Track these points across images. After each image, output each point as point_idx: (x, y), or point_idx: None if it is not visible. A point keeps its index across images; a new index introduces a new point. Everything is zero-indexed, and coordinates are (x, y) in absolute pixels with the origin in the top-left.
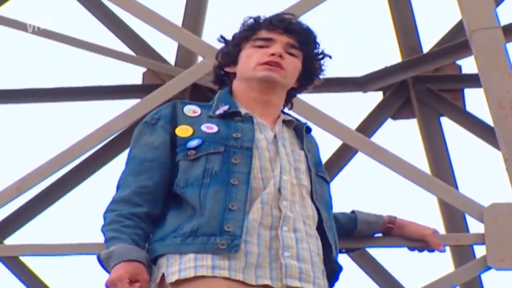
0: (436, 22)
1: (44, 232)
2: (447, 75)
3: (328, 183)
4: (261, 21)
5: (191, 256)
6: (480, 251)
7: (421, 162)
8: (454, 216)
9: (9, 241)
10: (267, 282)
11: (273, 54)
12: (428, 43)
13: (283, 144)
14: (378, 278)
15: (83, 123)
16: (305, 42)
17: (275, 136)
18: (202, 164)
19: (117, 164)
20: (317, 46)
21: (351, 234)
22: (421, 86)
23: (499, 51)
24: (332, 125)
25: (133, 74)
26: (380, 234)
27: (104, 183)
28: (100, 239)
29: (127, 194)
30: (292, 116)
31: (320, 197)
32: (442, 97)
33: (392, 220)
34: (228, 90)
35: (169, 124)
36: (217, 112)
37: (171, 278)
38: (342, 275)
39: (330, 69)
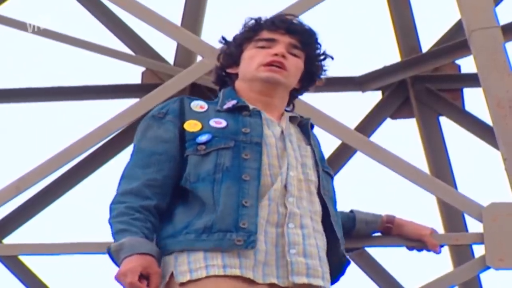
0: (435, 22)
1: (43, 231)
2: (446, 75)
3: (332, 178)
4: (263, 21)
5: (201, 255)
6: (479, 250)
7: (420, 161)
8: (453, 215)
9: (8, 240)
10: (273, 280)
11: (276, 55)
12: (427, 42)
13: (290, 140)
14: (377, 278)
15: (82, 122)
16: (307, 42)
17: (282, 132)
18: (212, 159)
19: (116, 163)
20: (319, 46)
21: (350, 234)
22: (420, 85)
23: (498, 51)
24: (331, 125)
25: (132, 74)
26: (379, 234)
27: (103, 182)
28: (99, 238)
29: (136, 186)
30: (296, 113)
31: (328, 192)
32: (441, 96)
33: (390, 219)
34: (232, 88)
35: (178, 119)
36: (225, 106)
37: (181, 278)
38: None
39: (329, 69)
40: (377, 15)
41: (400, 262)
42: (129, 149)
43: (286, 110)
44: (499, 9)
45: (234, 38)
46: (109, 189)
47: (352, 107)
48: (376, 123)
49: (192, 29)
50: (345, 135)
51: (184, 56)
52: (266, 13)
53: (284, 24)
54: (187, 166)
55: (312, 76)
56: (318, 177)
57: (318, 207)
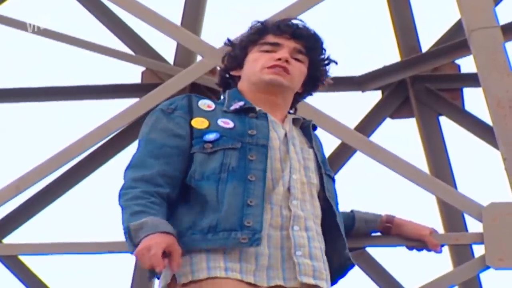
0: (435, 22)
1: (42, 231)
2: (446, 75)
3: (334, 181)
4: (268, 25)
5: (203, 256)
6: (479, 250)
7: (420, 161)
8: (453, 215)
9: (8, 240)
10: (279, 282)
11: (279, 59)
12: (427, 42)
13: (293, 143)
14: (377, 278)
15: (82, 122)
16: (311, 47)
17: (285, 135)
18: (219, 158)
19: (116, 163)
20: (324, 51)
21: (350, 233)
22: (420, 85)
23: (498, 51)
24: (330, 125)
25: (132, 73)
26: (378, 234)
27: (103, 182)
28: (99, 238)
29: (149, 174)
30: (298, 116)
31: (331, 195)
32: (441, 96)
33: (390, 219)
34: (236, 89)
35: (187, 115)
36: (232, 108)
37: (184, 279)
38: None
39: (332, 71)
40: (377, 15)
41: (400, 262)
42: (129, 149)
43: (289, 113)
44: (499, 9)
45: (239, 40)
46: (109, 189)
47: (351, 107)
48: (376, 123)
49: (192, 29)
50: (345, 135)
51: (184, 56)
52: (266, 13)
53: (290, 28)
54: (192, 164)
55: (315, 81)
56: (321, 180)
57: (319, 211)
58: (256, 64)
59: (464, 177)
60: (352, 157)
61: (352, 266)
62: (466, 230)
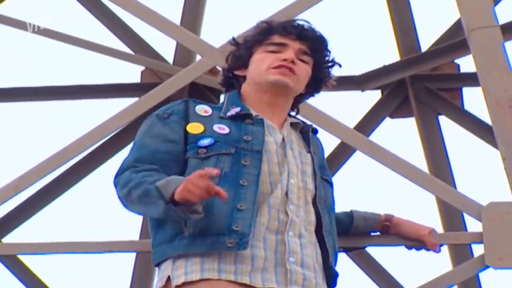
0: (435, 21)
1: (42, 230)
2: (445, 74)
3: (332, 186)
4: (274, 26)
5: (198, 259)
6: (478, 250)
7: (419, 161)
8: (452, 215)
9: (7, 239)
10: (273, 285)
11: (285, 60)
12: (426, 42)
13: (291, 147)
14: (376, 277)
15: (81, 121)
16: (317, 49)
17: (283, 139)
18: (212, 163)
19: (116, 163)
20: (328, 53)
21: (349, 231)
22: (419, 85)
23: (497, 50)
24: (330, 124)
25: (132, 73)
26: (377, 233)
27: (103, 182)
28: (99, 237)
29: (146, 168)
30: (298, 119)
31: (323, 202)
32: (440, 96)
33: (389, 218)
34: (236, 92)
35: (183, 120)
36: (229, 114)
37: (177, 281)
38: (341, 275)
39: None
40: (377, 14)
41: (399, 262)
42: (129, 149)
43: (289, 115)
44: (498, 8)
45: (244, 40)
46: (108, 188)
47: (351, 106)
48: (375, 122)
49: (191, 28)
50: (344, 134)
51: (184, 55)
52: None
53: (295, 29)
54: (186, 169)
55: (319, 82)
56: (315, 186)
57: (312, 217)
58: (262, 64)
59: (464, 177)
60: (351, 156)
61: (336, 275)
62: (466, 229)
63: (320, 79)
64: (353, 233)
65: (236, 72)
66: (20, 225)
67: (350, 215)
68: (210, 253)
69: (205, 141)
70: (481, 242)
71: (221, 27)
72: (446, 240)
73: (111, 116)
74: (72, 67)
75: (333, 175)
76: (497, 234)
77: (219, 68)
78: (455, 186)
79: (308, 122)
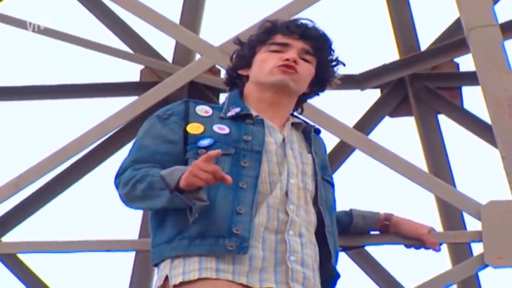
0: (434, 20)
1: (41, 229)
2: (445, 73)
3: (333, 187)
4: (277, 25)
5: (196, 259)
6: (477, 249)
7: (419, 160)
8: (451, 213)
9: (7, 238)
10: (271, 285)
11: (287, 60)
12: (425, 41)
13: (291, 148)
14: (375, 276)
15: (80, 120)
16: (320, 48)
17: (283, 140)
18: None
19: (115, 161)
20: (332, 52)
21: (348, 230)
22: (419, 84)
23: (496, 49)
24: (329, 123)
25: (131, 72)
26: (377, 232)
27: (102, 180)
28: (98, 236)
29: (146, 166)
30: (301, 119)
31: (325, 202)
32: (439, 95)
33: (388, 217)
34: (238, 92)
35: (183, 121)
36: (229, 114)
37: (175, 280)
38: (340, 274)
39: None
40: (376, 14)
41: (398, 261)
42: (128, 147)
43: (292, 115)
44: (497, 7)
45: (248, 40)
46: (108, 187)
47: (350, 105)
48: (375, 121)
49: (190, 27)
50: (344, 133)
51: (183, 54)
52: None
53: (299, 29)
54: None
55: (323, 81)
56: (316, 186)
57: (313, 218)
58: (265, 65)
59: (463, 176)
60: (351, 155)
61: (338, 276)
62: (465, 228)
63: (324, 78)
64: (352, 232)
65: (240, 72)
66: (20, 224)
67: (349, 213)
68: (208, 253)
69: (205, 142)
70: (480, 241)
71: (220, 26)
72: (445, 239)
73: (110, 114)
74: (72, 66)
75: (332, 173)
76: (496, 233)
77: (219, 67)
78: (454, 185)
79: (310, 122)
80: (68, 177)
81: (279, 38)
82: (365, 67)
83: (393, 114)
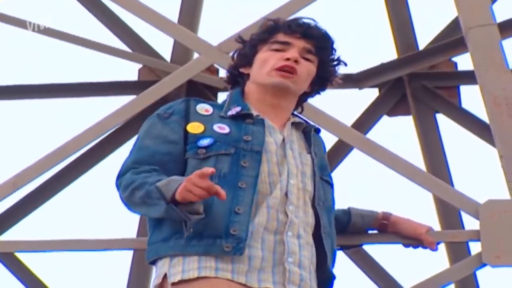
0: (432, 19)
1: (39, 228)
2: (443, 72)
3: (332, 187)
4: (279, 24)
5: (195, 257)
6: (475, 248)
7: (417, 159)
8: (449, 213)
9: (5, 237)
10: (269, 286)
11: (288, 59)
12: (424, 40)
13: (291, 148)
14: (373, 275)
15: (78, 119)
16: (321, 47)
17: (283, 140)
18: (211, 164)
19: (113, 160)
20: (334, 52)
21: (346, 228)
22: (417, 83)
23: (495, 48)
24: (327, 122)
25: (129, 71)
26: (375, 231)
27: (100, 179)
28: (96, 235)
29: (146, 169)
30: (302, 119)
31: (322, 203)
32: (437, 94)
33: (386, 216)
34: (239, 91)
35: (183, 120)
36: (229, 113)
37: (173, 279)
38: (338, 273)
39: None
40: (374, 13)
41: (396, 260)
42: (126, 146)
43: (293, 114)
44: (496, 6)
45: (250, 38)
46: (106, 186)
47: (348, 104)
48: (373, 120)
49: (189, 26)
50: (342, 132)
51: (181, 53)
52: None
53: (300, 28)
54: (186, 169)
55: (324, 80)
56: (314, 187)
57: (311, 219)
58: (265, 65)
59: (461, 175)
60: (349, 154)
61: (333, 278)
62: (463, 227)
63: (326, 77)
64: (350, 231)
65: (241, 70)
66: (18, 223)
67: (347, 212)
68: (205, 253)
69: (205, 141)
70: (478, 240)
71: (218, 25)
72: (443, 238)
73: (108, 113)
74: (70, 65)
75: (330, 172)
76: (494, 232)
77: (218, 67)
78: (452, 184)
79: (310, 122)
80: (67, 176)
81: (281, 37)
82: (363, 66)
83: (391, 113)
